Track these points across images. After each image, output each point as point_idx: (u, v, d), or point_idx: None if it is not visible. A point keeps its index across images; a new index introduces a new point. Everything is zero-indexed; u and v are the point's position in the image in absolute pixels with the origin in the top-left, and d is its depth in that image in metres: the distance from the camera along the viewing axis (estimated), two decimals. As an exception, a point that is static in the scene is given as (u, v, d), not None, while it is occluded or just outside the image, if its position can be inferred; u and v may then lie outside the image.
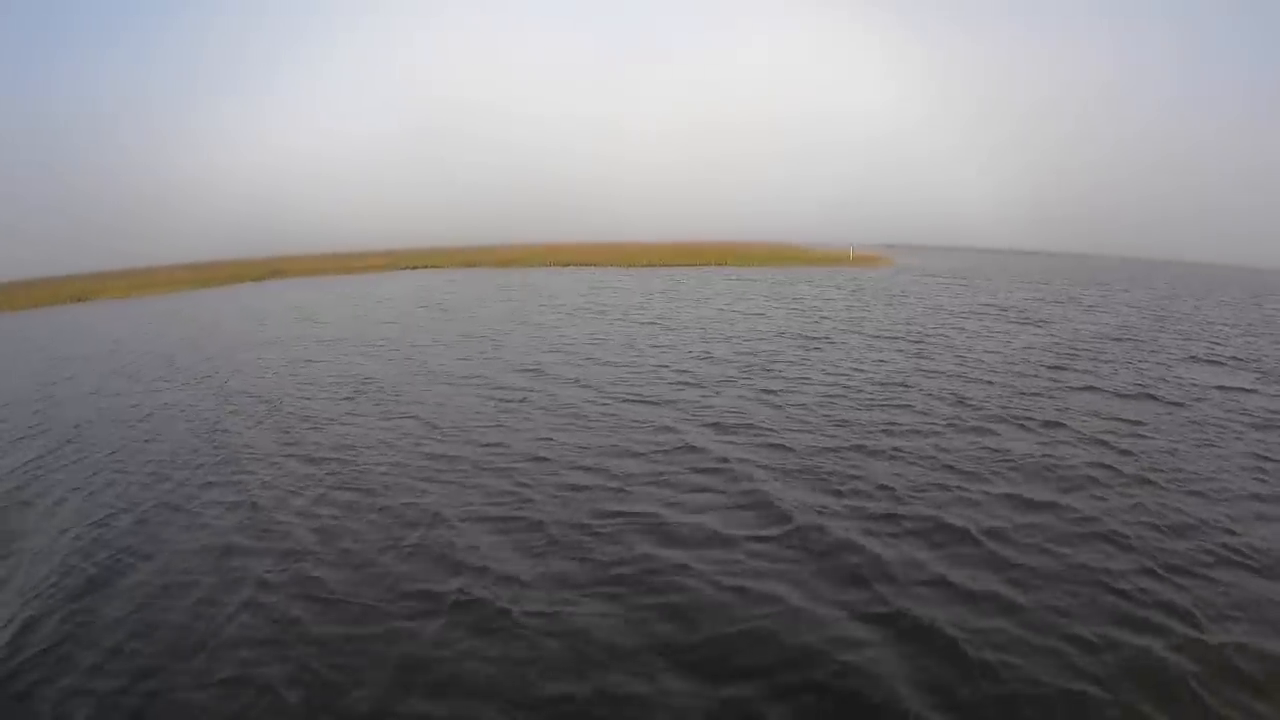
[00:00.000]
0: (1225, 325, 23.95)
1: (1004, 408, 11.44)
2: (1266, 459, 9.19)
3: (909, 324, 21.83)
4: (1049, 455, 9.15)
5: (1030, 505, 7.58)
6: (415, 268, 61.91)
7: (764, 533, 6.95)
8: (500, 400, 12.45)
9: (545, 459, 9.15)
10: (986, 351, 16.73)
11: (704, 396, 12.26)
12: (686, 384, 13.22)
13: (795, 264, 56.06)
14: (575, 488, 8.13)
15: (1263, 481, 8.37)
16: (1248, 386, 13.68)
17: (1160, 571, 6.21)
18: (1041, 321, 23.01)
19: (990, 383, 13.31)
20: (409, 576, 6.15)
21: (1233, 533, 6.94)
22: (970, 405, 11.58)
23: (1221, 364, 16.09)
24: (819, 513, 7.32)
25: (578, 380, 13.80)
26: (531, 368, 15.17)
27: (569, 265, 58.28)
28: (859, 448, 9.45)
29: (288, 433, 10.92)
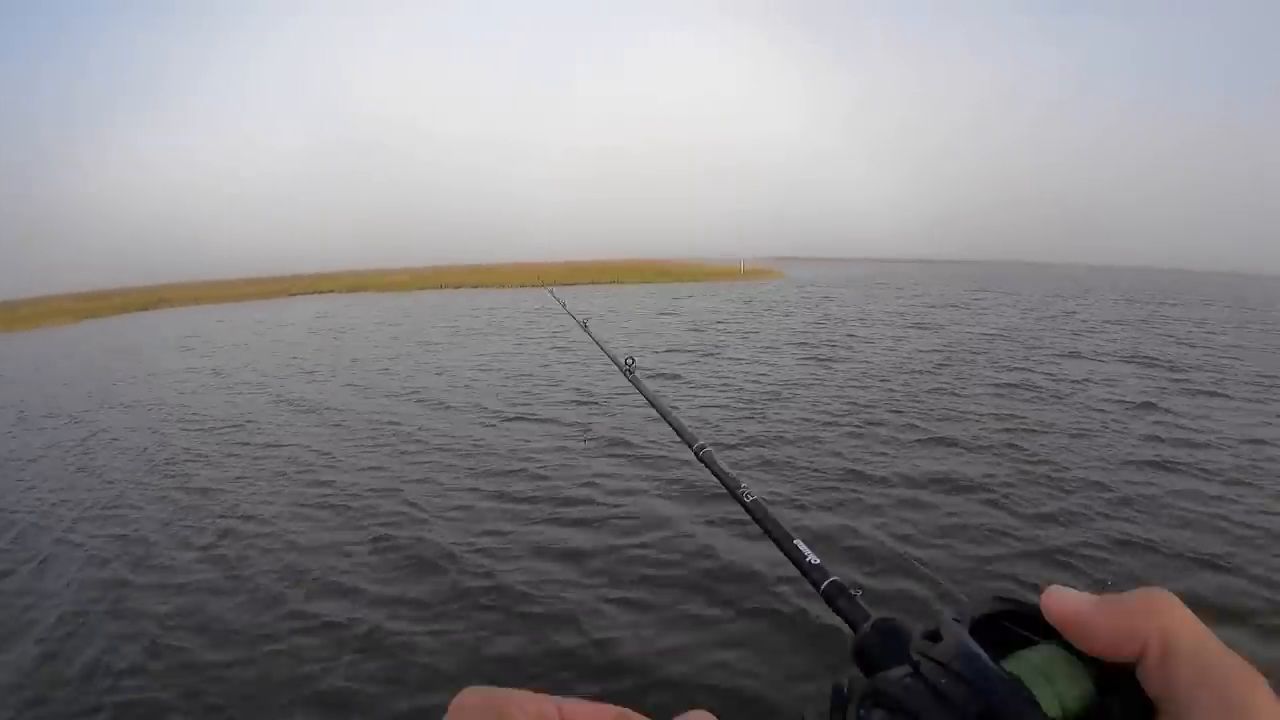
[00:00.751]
0: (1109, 322, 25.72)
1: (892, 409, 11.74)
2: (1150, 439, 9.88)
3: (796, 333, 22.36)
4: (941, 451, 9.38)
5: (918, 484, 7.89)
6: (312, 293, 59.88)
7: (641, 539, 6.90)
8: (386, 425, 11.95)
9: (433, 482, 8.92)
10: (875, 355, 17.14)
11: (592, 413, 12.01)
12: (577, 402, 12.92)
13: (687, 280, 56.86)
14: (462, 508, 7.97)
15: (1140, 469, 8.81)
16: (1120, 377, 14.63)
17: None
18: (932, 325, 23.80)
19: (874, 385, 13.65)
20: (296, 601, 6.09)
21: (1109, 516, 7.20)
22: (857, 405, 11.84)
23: (1101, 360, 17.05)
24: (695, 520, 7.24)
25: (469, 403, 13.34)
26: (423, 394, 14.58)
27: (466, 287, 57.52)
28: (750, 455, 9.49)
29: (175, 469, 10.31)
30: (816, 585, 0.83)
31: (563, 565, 6.38)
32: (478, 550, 6.76)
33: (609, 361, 2.81)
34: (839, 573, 0.83)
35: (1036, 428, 10.45)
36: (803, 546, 0.92)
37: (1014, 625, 0.44)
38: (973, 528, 6.83)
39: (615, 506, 7.69)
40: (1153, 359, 16.82)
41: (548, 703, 0.40)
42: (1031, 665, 0.41)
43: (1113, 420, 10.87)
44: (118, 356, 25.48)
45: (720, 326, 24.50)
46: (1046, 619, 0.42)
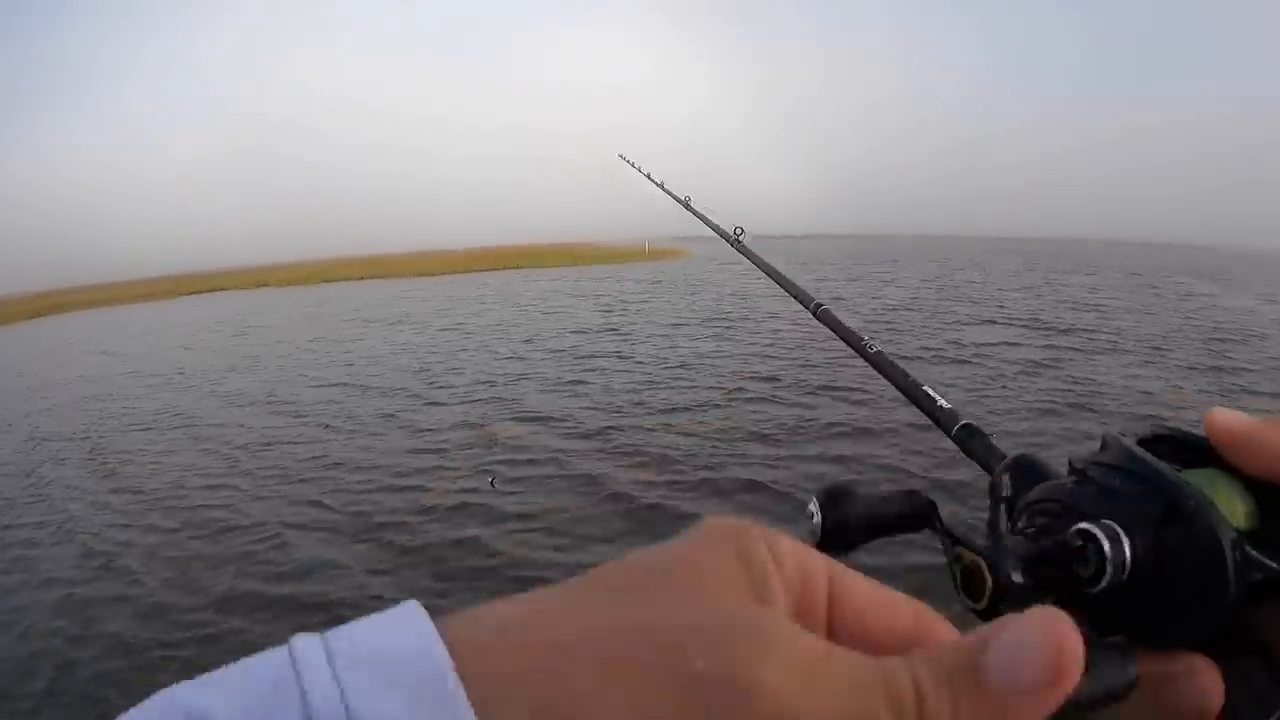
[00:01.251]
0: (1008, 291, 27.18)
1: (797, 379, 12.21)
2: (1044, 397, 10.76)
3: (698, 310, 22.76)
4: (850, 416, 9.89)
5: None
6: (213, 290, 57.13)
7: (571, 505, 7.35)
8: (300, 415, 11.86)
9: (359, 465, 9.07)
10: (789, 327, 17.52)
11: (500, 394, 12.18)
12: (487, 382, 12.97)
13: (593, 262, 56.57)
14: (386, 489, 8.18)
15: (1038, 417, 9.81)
16: (1015, 340, 15.71)
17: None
18: (837, 299, 24.40)
19: (776, 357, 14.20)
20: (240, 585, 6.29)
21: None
22: (761, 379, 12.26)
23: (1006, 324, 18.18)
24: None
25: (381, 390, 13.27)
26: (335, 381, 14.40)
27: (372, 277, 55.82)
28: (657, 424, 9.95)
29: (107, 470, 10.06)
30: (948, 430, 0.84)
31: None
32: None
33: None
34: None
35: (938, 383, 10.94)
36: (933, 392, 0.94)
37: (1186, 454, 0.44)
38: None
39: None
40: (1049, 323, 18.03)
41: (819, 559, 0.35)
42: (1199, 481, 0.40)
43: (1012, 379, 11.80)
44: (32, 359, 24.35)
45: (629, 306, 24.67)
46: (1209, 436, 0.43)
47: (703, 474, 7.94)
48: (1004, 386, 11.39)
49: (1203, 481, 0.40)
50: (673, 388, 12.02)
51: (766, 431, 9.28)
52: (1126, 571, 0.39)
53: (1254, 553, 0.38)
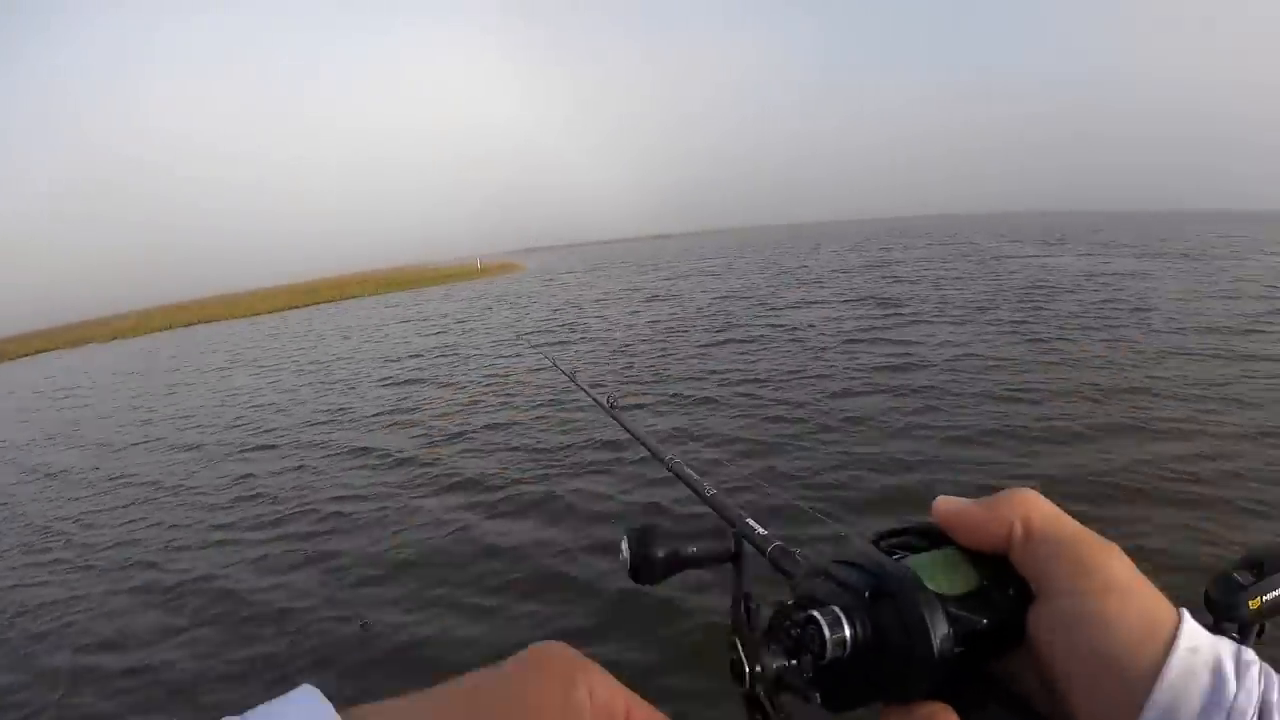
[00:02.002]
0: (834, 271, 28.56)
1: (652, 369, 12.47)
2: (856, 365, 11.43)
3: (530, 323, 22.44)
4: (699, 404, 10.04)
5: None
6: (29, 354, 51.94)
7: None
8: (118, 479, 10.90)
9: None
10: (622, 329, 17.61)
11: (338, 431, 11.42)
12: (323, 421, 12.18)
13: (425, 284, 55.42)
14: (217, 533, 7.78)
15: (852, 378, 10.52)
16: (837, 315, 16.45)
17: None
18: (668, 296, 24.81)
19: (620, 357, 14.06)
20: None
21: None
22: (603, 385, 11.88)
23: (835, 302, 18.95)
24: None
25: (207, 443, 12.20)
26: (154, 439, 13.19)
27: (202, 322, 52.25)
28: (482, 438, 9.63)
29: None
30: (762, 550, 0.94)
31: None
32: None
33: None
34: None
35: (766, 374, 11.35)
36: (753, 522, 1.10)
37: (919, 540, 0.53)
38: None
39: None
40: (878, 297, 18.94)
41: (620, 694, 0.46)
42: (922, 561, 0.50)
43: (838, 353, 12.24)
44: None
45: (460, 326, 24.04)
46: (937, 520, 0.52)
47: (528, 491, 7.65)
48: (829, 360, 11.79)
49: (928, 560, 0.50)
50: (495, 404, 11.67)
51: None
52: (849, 646, 0.46)
53: (962, 612, 0.47)
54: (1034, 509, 0.48)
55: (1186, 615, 0.43)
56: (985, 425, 7.99)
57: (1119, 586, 0.44)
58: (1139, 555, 0.43)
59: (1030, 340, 12.18)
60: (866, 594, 0.47)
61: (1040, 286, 19.17)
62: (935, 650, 0.44)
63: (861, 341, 13.12)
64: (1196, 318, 13.29)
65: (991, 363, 10.88)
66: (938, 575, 0.48)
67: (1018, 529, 0.48)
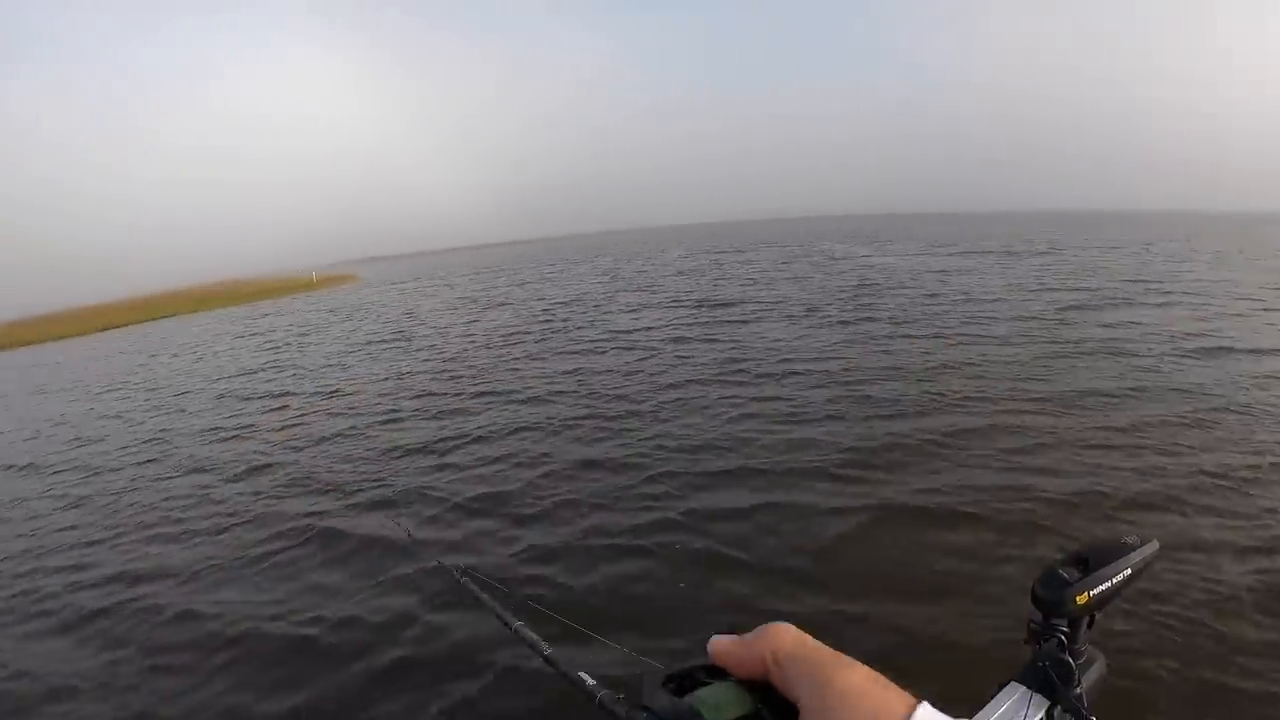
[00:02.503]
0: (675, 274, 29.54)
1: (471, 382, 12.35)
2: (677, 365, 12.03)
3: (366, 334, 21.78)
4: (528, 413, 10.06)
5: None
6: None
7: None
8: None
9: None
10: (457, 339, 17.56)
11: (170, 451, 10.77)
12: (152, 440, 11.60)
13: (255, 299, 53.05)
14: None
15: (677, 371, 11.18)
16: (676, 319, 16.96)
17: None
18: (506, 303, 24.92)
19: (457, 369, 13.88)
20: None
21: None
22: (435, 393, 11.88)
23: (670, 306, 19.51)
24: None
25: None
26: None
27: (19, 345, 47.62)
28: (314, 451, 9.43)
29: None
30: (592, 698, 1.03)
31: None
32: None
33: None
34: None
35: (597, 370, 11.87)
36: (585, 676, 1.15)
37: (706, 676, 0.62)
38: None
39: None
40: (709, 299, 19.72)
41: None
42: (702, 696, 0.59)
43: (668, 354, 12.73)
44: None
45: (300, 339, 23.19)
46: (713, 658, 0.62)
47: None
48: (659, 360, 12.33)
49: (709, 693, 0.59)
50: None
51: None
52: None
53: None
54: (781, 640, 0.58)
55: (923, 706, 0.51)
56: (825, 415, 8.51)
57: (852, 693, 0.52)
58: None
59: (860, 336, 13.09)
60: None
61: (867, 284, 20.70)
62: None
63: (690, 341, 13.78)
64: (1013, 307, 14.98)
65: (824, 356, 11.60)
66: (718, 705, 0.58)
67: (769, 659, 0.57)
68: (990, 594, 4.66)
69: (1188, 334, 11.96)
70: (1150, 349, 10.97)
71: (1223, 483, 6.07)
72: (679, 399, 10.01)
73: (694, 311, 18.05)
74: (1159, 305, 15.10)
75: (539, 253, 75.05)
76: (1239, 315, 13.75)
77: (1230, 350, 10.74)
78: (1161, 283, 18.82)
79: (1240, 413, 7.83)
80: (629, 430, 8.83)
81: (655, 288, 25.26)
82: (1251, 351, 10.60)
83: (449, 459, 8.50)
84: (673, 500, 6.62)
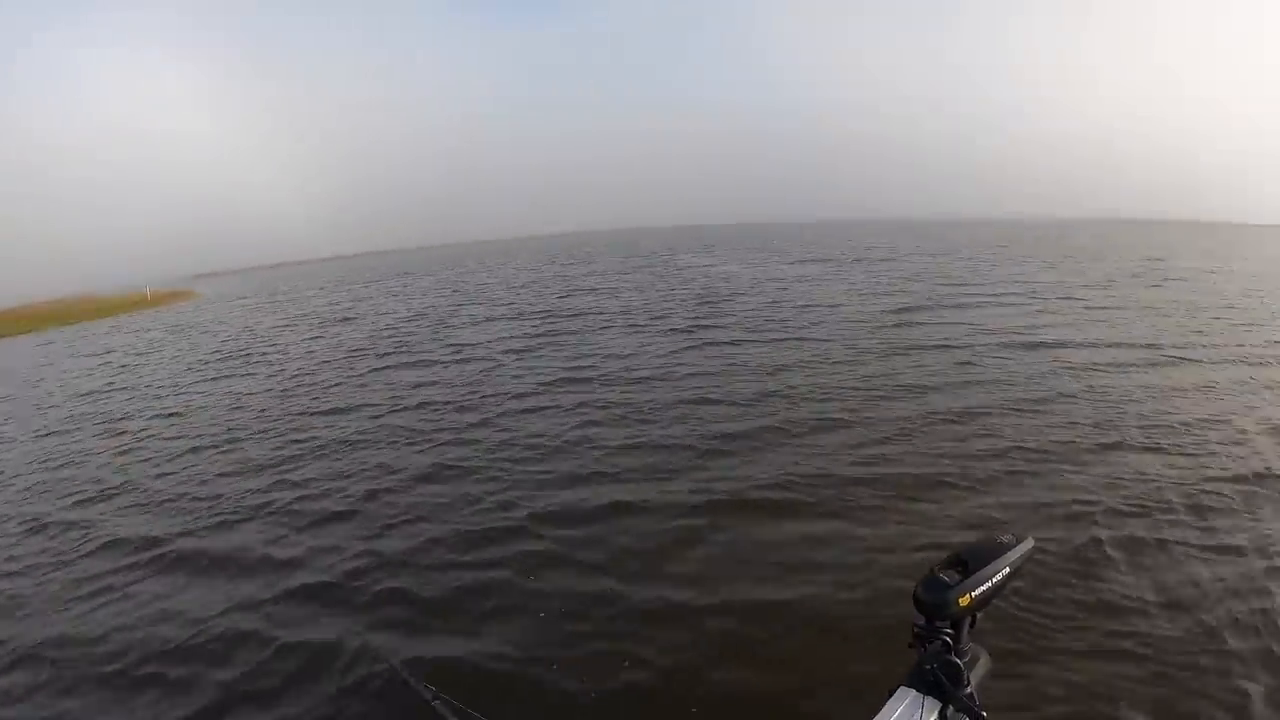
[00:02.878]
0: (516, 287, 29.80)
1: (314, 399, 12.31)
2: (522, 375, 12.45)
3: (205, 353, 20.93)
4: (365, 428, 10.13)
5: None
6: None
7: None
8: None
9: None
10: (302, 355, 17.19)
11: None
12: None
13: (88, 318, 49.65)
14: None
15: (521, 382, 11.69)
16: (517, 331, 17.39)
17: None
18: (348, 319, 24.51)
19: (301, 382, 13.87)
20: None
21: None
22: (274, 414, 11.75)
23: (512, 319, 19.89)
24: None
25: None
26: None
27: None
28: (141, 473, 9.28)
29: None
30: None
31: None
32: None
33: None
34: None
35: (441, 382, 12.15)
36: None
37: None
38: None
39: None
40: (553, 310, 20.36)
41: None
42: None
43: (510, 366, 13.11)
44: None
45: (138, 359, 21.87)
46: None
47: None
48: (504, 368, 12.76)
49: None
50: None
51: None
52: None
53: None
54: None
55: None
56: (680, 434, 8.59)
57: None
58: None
59: (702, 341, 13.83)
60: None
61: (711, 292, 21.94)
62: None
63: (534, 351, 14.16)
64: (853, 311, 16.29)
65: (668, 363, 12.22)
66: None
67: None
68: (846, 581, 4.92)
69: (1012, 329, 13.50)
70: (977, 343, 12.36)
71: (1039, 457, 7.00)
72: (523, 408, 10.26)
73: (538, 322, 18.48)
74: (980, 306, 16.93)
75: (387, 265, 73.73)
76: (1058, 313, 15.70)
77: (1046, 343, 12.25)
78: (984, 285, 21.10)
79: (1066, 400, 8.98)
80: (474, 440, 8.96)
81: (501, 300, 25.66)
82: (1061, 344, 12.10)
83: (291, 476, 8.40)
84: (519, 507, 6.69)
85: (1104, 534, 5.40)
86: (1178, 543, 5.25)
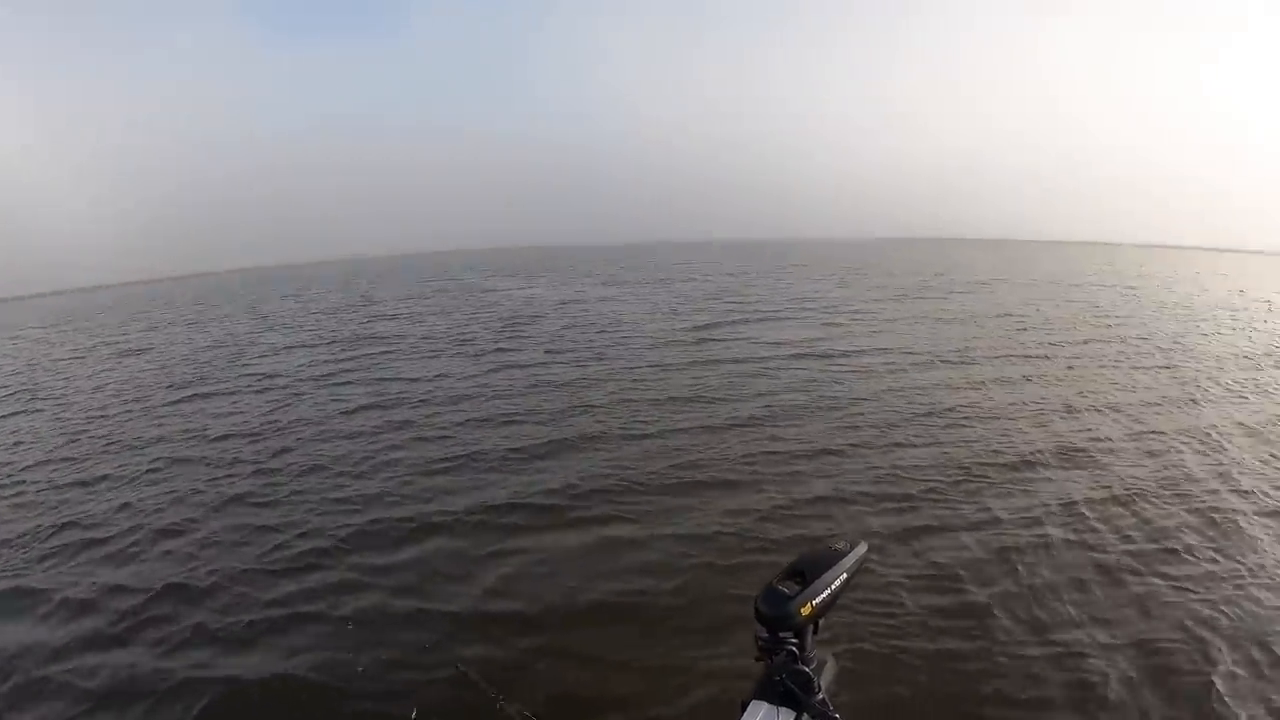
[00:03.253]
0: (320, 315, 29.86)
1: (106, 434, 11.92)
2: (333, 401, 12.78)
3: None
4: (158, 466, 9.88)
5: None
6: None
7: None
8: None
9: None
10: (90, 390, 16.57)
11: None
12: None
13: None
14: None
15: (324, 410, 11.98)
16: (315, 358, 17.68)
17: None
18: (142, 349, 23.63)
19: (91, 417, 13.47)
20: None
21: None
22: (73, 455, 11.36)
23: (312, 345, 20.12)
24: None
25: None
26: None
27: None
28: None
29: None
30: None
31: None
32: None
33: None
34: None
35: (239, 414, 12.24)
36: None
37: None
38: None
39: None
40: (359, 336, 20.84)
41: None
42: None
43: (316, 394, 13.53)
44: None
45: None
46: None
47: None
48: (309, 402, 12.94)
49: None
50: None
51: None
52: None
53: None
54: None
55: None
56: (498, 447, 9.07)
57: None
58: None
59: (507, 363, 14.60)
60: None
61: (514, 315, 23.07)
62: None
63: (338, 382, 14.38)
64: (654, 329, 17.60)
65: (474, 387, 12.73)
66: None
67: None
68: (672, 605, 5.13)
69: (803, 340, 15.22)
70: (774, 355, 13.84)
71: (827, 456, 8.04)
72: (326, 435, 10.47)
73: (340, 349, 18.81)
74: (776, 320, 19.02)
75: (186, 291, 69.56)
76: (840, 325, 17.80)
77: (835, 353, 13.86)
78: (780, 302, 23.66)
79: (853, 403, 10.28)
80: (275, 469, 9.01)
81: (304, 326, 25.62)
82: (849, 354, 13.72)
83: (92, 533, 7.62)
84: (323, 535, 6.76)
85: (876, 522, 6.24)
86: (946, 528, 6.18)
